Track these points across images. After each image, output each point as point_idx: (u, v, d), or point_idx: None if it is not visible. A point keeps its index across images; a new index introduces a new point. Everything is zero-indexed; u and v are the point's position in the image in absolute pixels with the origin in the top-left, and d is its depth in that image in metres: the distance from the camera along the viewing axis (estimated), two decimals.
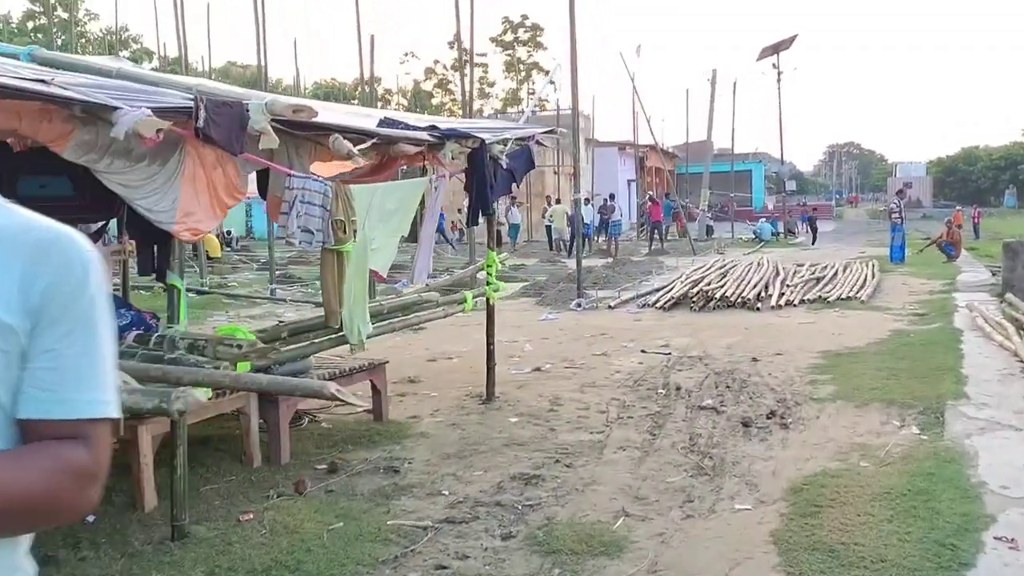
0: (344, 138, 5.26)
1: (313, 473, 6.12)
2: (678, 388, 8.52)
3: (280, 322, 6.37)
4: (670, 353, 10.45)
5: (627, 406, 7.92)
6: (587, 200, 33.87)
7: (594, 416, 7.61)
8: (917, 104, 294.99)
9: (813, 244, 32.60)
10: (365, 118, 6.22)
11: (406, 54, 76.11)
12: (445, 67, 65.39)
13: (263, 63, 17.21)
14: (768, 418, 7.27)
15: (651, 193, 37.66)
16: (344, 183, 5.63)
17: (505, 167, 7.29)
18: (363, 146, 5.35)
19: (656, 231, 32.62)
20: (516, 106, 57.73)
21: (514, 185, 7.67)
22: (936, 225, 31.63)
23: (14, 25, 55.80)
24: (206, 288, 18.10)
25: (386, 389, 7.61)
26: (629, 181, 51.67)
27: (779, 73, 41.30)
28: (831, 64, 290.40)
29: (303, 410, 7.64)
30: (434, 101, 67.21)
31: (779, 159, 47.64)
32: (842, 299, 14.94)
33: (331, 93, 54.64)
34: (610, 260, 24.51)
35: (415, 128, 6.21)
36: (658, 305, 14.70)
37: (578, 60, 15.80)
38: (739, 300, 14.50)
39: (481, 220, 7.38)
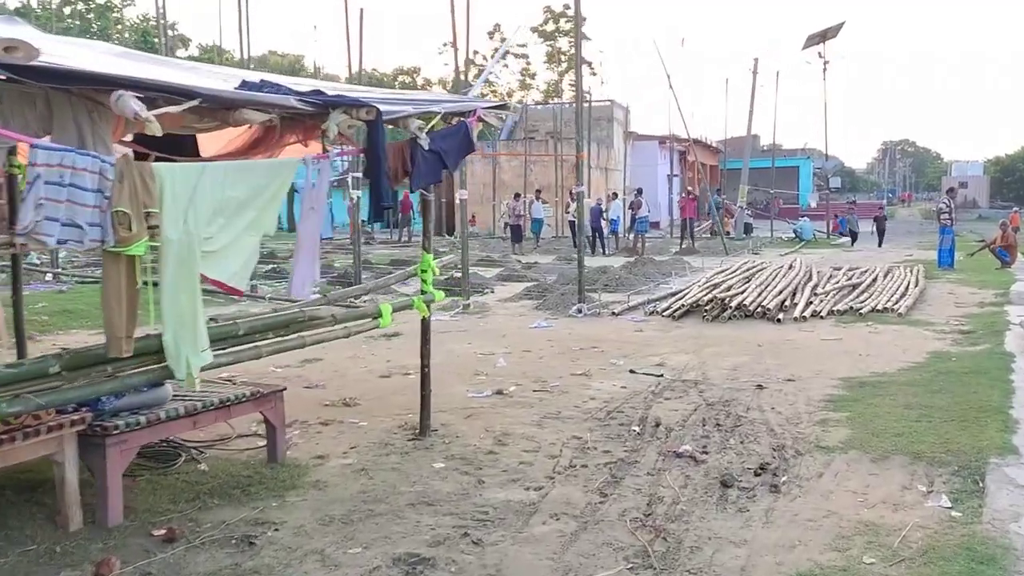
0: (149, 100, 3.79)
1: (144, 543, 4.70)
2: (657, 424, 6.97)
3: (64, 349, 4.92)
4: (662, 375, 8.87)
5: (586, 449, 6.39)
6: (615, 195, 32.33)
7: (540, 462, 6.09)
8: (976, 100, 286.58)
9: (880, 246, 30.55)
10: (216, 77, 4.74)
11: (444, 44, 74.68)
12: (485, 57, 63.98)
13: (246, 41, 15.92)
14: (756, 475, 5.69)
15: (690, 188, 35.83)
16: (157, 159, 4.16)
17: (429, 148, 5.77)
18: (174, 109, 3.87)
19: (688, 228, 30.87)
20: (558, 97, 55.92)
21: (444, 171, 6.11)
22: (992, 227, 29.40)
23: (52, 9, 55.37)
24: None
25: (283, 423, 6.17)
26: (669, 176, 49.79)
27: (825, 63, 39.13)
28: (886, 59, 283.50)
29: (183, 445, 6.23)
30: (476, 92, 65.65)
31: (828, 155, 45.41)
32: (877, 311, 13.16)
33: (371, 83, 53.41)
34: (632, 259, 22.83)
35: (285, 92, 4.71)
36: (667, 313, 13.06)
37: (582, 45, 14.18)
38: (759, 310, 12.78)
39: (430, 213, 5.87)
